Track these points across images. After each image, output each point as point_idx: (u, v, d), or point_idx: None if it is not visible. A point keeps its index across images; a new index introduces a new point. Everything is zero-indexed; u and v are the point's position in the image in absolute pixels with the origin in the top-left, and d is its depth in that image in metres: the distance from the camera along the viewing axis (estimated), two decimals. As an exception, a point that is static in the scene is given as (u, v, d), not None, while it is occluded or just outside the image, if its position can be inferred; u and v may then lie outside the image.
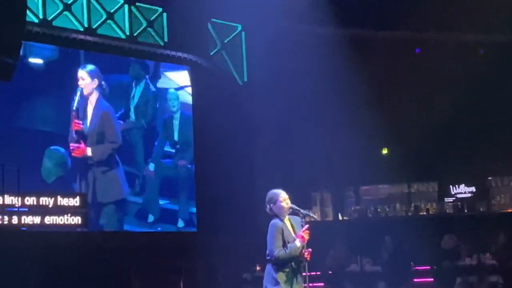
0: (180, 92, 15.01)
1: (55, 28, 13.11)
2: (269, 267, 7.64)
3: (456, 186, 15.98)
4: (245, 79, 15.49)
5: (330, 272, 14.35)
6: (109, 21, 13.79)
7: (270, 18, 14.49)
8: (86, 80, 13.44)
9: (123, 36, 13.95)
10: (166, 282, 13.18)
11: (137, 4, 14.14)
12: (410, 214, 16.02)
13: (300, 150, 14.88)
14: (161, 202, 14.46)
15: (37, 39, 12.94)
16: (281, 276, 7.54)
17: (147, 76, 14.52)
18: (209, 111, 14.74)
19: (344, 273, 14.41)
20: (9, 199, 11.89)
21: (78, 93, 13.37)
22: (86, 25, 13.45)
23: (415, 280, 13.96)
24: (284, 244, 7.54)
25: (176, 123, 14.85)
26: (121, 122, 14.01)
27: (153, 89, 14.59)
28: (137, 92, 14.36)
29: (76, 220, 12.45)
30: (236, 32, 15.47)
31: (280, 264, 7.55)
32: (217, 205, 14.49)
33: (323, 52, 14.31)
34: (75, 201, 12.51)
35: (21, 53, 10.53)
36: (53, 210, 12.26)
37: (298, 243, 7.55)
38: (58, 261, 12.05)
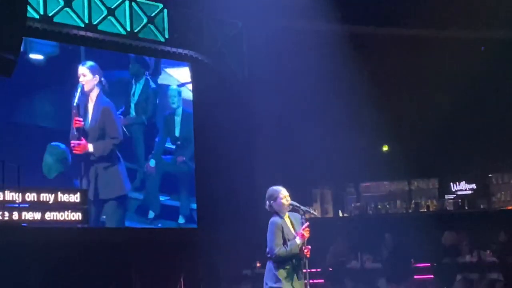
0: (181, 89, 15.01)
1: (55, 24, 13.08)
2: (269, 264, 7.66)
3: (457, 183, 15.99)
4: (246, 76, 15.46)
5: (330, 269, 14.35)
6: (109, 17, 13.77)
7: (270, 15, 14.48)
8: (87, 76, 13.44)
9: (123, 32, 13.93)
10: (166, 278, 13.18)
11: (137, 0, 14.13)
12: (410, 211, 16.04)
13: (301, 147, 14.87)
14: (162, 198, 14.47)
15: (37, 35, 12.92)
16: (281, 273, 7.56)
17: (147, 73, 14.52)
18: (209, 107, 14.74)
19: (344, 270, 14.40)
20: (9, 195, 11.89)
21: (79, 90, 13.36)
22: (86, 21, 13.43)
23: (415, 277, 13.96)
24: (284, 242, 7.55)
25: (177, 119, 14.85)
26: (122, 117, 14.01)
27: (153, 85, 14.59)
28: (137, 89, 14.36)
29: (77, 216, 12.47)
30: (237, 29, 15.45)
31: (280, 261, 7.56)
32: (217, 202, 14.50)
33: (324, 49, 14.29)
34: (75, 197, 12.52)
35: (21, 49, 10.55)
36: (53, 206, 12.27)
37: (298, 240, 7.57)
38: (58, 257, 12.06)
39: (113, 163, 13.67)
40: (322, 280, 14.04)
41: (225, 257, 14.11)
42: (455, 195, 15.94)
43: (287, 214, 7.76)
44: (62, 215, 12.33)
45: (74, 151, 13.19)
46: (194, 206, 14.78)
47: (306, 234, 7.59)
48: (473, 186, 15.89)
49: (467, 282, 13.22)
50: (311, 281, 7.74)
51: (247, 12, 14.67)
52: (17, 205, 11.95)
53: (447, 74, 15.08)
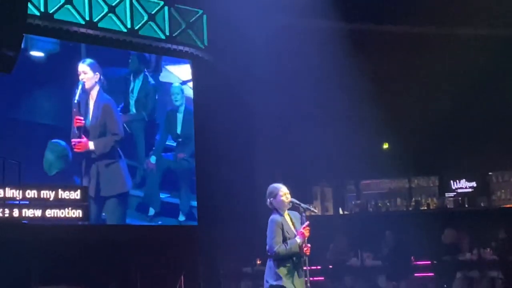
0: (184, 87, 15.00)
1: (56, 21, 13.10)
2: (270, 262, 7.65)
3: (457, 181, 16.01)
4: (245, 75, 15.43)
5: (331, 266, 14.36)
6: (110, 14, 13.77)
7: (270, 12, 14.47)
8: (88, 74, 13.43)
9: (124, 30, 13.93)
10: (166, 275, 13.19)
11: (138, -3, 14.14)
12: (410, 208, 16.05)
13: (301, 144, 14.87)
14: (162, 195, 14.46)
15: (38, 32, 12.93)
16: (282, 271, 7.56)
17: (146, 70, 14.51)
18: (210, 105, 14.72)
19: (344, 267, 14.42)
20: (10, 192, 11.88)
21: (80, 87, 13.34)
22: (87, 19, 13.44)
23: (415, 274, 13.97)
24: (284, 239, 7.55)
25: (180, 116, 14.83)
26: (122, 114, 14.00)
27: (152, 82, 14.57)
28: (136, 86, 14.34)
29: (77, 213, 12.45)
30: (236, 28, 15.41)
31: (280, 259, 7.56)
32: (217, 199, 14.49)
33: (324, 47, 14.29)
34: (76, 194, 12.50)
35: (22, 46, 10.52)
36: (54, 203, 12.26)
37: (298, 239, 7.57)
38: (58, 254, 12.05)
39: (115, 160, 13.66)
40: (322, 278, 14.06)
41: (225, 255, 14.13)
42: (455, 193, 15.96)
43: (286, 211, 7.76)
44: (62, 212, 12.33)
45: (75, 150, 13.17)
46: (195, 203, 14.76)
47: (306, 233, 7.59)
48: (473, 184, 15.92)
49: (467, 280, 13.25)
50: (311, 278, 7.74)
51: (246, 10, 14.64)
52: (17, 202, 11.94)
53: (448, 72, 15.09)
